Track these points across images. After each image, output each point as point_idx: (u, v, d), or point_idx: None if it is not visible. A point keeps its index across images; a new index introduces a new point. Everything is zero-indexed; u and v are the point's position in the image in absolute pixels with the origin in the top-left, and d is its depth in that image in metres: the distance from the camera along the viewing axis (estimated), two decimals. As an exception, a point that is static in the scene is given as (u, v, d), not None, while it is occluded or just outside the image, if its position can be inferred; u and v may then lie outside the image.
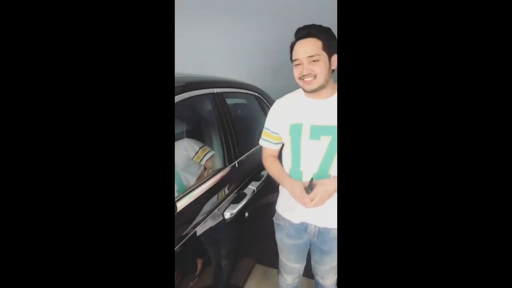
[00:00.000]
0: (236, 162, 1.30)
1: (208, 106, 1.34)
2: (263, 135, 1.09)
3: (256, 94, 1.73)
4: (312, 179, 0.90)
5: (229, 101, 1.47)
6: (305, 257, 1.17)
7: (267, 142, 1.07)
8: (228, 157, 1.27)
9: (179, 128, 1.41)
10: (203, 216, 0.96)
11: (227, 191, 1.16)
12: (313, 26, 0.86)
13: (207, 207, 1.00)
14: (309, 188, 0.87)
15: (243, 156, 1.37)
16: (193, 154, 1.34)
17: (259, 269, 1.73)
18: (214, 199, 1.07)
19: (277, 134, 1.03)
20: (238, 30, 2.61)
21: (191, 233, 0.88)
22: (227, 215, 1.06)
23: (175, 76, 1.05)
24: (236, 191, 1.20)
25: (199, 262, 0.98)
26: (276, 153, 1.09)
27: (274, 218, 1.15)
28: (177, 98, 0.97)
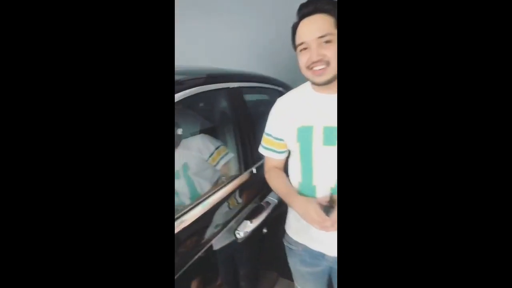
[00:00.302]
0: (254, 167, 1.13)
1: (223, 103, 1.18)
2: (263, 142, 0.88)
3: (281, 89, 1.53)
4: (331, 195, 0.71)
5: (249, 97, 1.30)
6: (325, 285, 0.95)
7: (269, 151, 0.86)
8: (244, 162, 1.10)
9: (196, 126, 1.26)
10: (217, 229, 0.86)
11: (241, 202, 0.99)
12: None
13: (220, 218, 0.89)
14: (328, 207, 0.68)
15: (262, 161, 1.19)
16: (208, 155, 1.17)
17: (282, 284, 1.56)
18: (227, 211, 0.91)
19: (282, 140, 0.83)
20: (258, 21, 2.42)
21: (206, 247, 0.80)
22: (240, 234, 0.89)
23: (191, 68, 0.99)
24: (252, 203, 1.03)
25: (215, 280, 0.87)
26: (281, 164, 0.88)
27: (284, 241, 0.94)
28: (193, 91, 0.88)
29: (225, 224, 0.89)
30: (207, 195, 0.90)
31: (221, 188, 0.97)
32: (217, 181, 1.17)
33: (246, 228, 0.92)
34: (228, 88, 1.12)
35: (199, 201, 0.86)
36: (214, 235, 0.83)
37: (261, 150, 0.89)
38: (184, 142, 1.18)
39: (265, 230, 1.04)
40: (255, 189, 1.08)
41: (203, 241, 0.80)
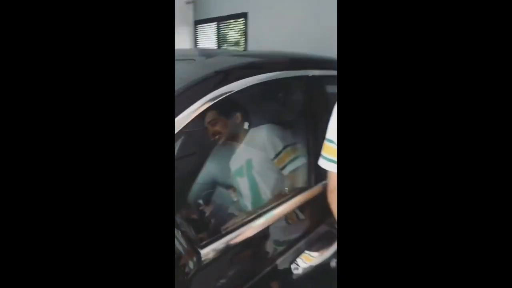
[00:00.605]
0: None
1: (299, 94, 0.96)
2: (324, 152, 0.66)
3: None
4: None
5: (331, 89, 1.04)
6: None
7: (332, 164, 0.63)
8: (315, 172, 0.86)
9: (266, 119, 1.08)
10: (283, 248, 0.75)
11: (305, 223, 0.78)
12: None
13: (281, 236, 0.77)
14: None
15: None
16: (273, 154, 0.96)
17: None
18: (288, 229, 0.75)
19: None
20: None
21: (272, 266, 0.72)
22: (299, 270, 0.69)
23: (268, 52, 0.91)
24: (320, 228, 0.80)
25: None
26: None
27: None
28: (271, 77, 0.78)
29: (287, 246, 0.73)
30: (270, 207, 0.76)
31: (285, 200, 0.79)
32: (280, 190, 0.97)
33: (309, 260, 0.71)
34: (307, 76, 0.89)
35: (264, 210, 0.75)
36: (278, 255, 0.72)
37: (321, 162, 0.66)
38: (250, 134, 1.00)
39: (334, 263, 0.81)
40: (327, 209, 0.84)
41: (265, 259, 0.69)
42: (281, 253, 0.73)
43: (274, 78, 0.81)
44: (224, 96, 0.67)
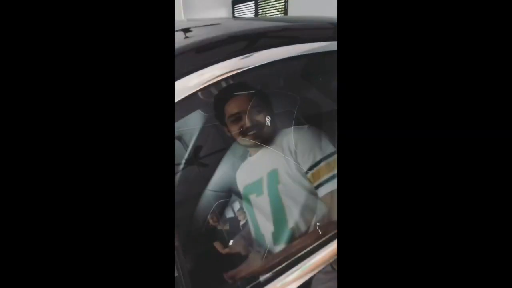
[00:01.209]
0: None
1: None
2: None
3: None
4: None
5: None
6: None
7: None
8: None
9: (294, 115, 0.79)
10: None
11: None
12: None
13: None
14: None
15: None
16: (307, 166, 0.67)
17: None
18: None
19: None
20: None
21: None
22: None
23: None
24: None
25: None
26: None
27: None
28: (312, 48, 0.58)
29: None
30: (301, 253, 0.56)
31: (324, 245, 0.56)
32: (311, 217, 0.67)
33: None
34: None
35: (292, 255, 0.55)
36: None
37: None
38: (281, 135, 0.71)
39: None
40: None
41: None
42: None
43: (315, 51, 0.58)
44: (240, 71, 0.52)
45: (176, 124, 0.69)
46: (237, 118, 0.68)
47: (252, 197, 0.69)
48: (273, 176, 0.68)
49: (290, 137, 0.69)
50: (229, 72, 0.51)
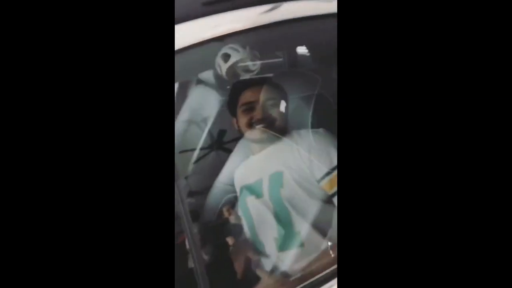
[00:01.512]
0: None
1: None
2: None
3: None
4: None
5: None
6: None
7: None
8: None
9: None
10: None
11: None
12: None
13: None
14: None
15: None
16: (323, 172, 0.59)
17: None
18: None
19: None
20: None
21: None
22: None
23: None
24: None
25: None
26: None
27: None
28: None
29: None
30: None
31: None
32: (326, 232, 0.59)
33: None
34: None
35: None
36: None
37: None
38: (293, 136, 0.65)
39: None
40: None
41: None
42: None
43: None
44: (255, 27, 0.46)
45: (192, 107, 0.65)
46: (250, 108, 0.65)
47: (250, 198, 0.64)
48: (276, 178, 0.62)
49: (303, 139, 0.63)
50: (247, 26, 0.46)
